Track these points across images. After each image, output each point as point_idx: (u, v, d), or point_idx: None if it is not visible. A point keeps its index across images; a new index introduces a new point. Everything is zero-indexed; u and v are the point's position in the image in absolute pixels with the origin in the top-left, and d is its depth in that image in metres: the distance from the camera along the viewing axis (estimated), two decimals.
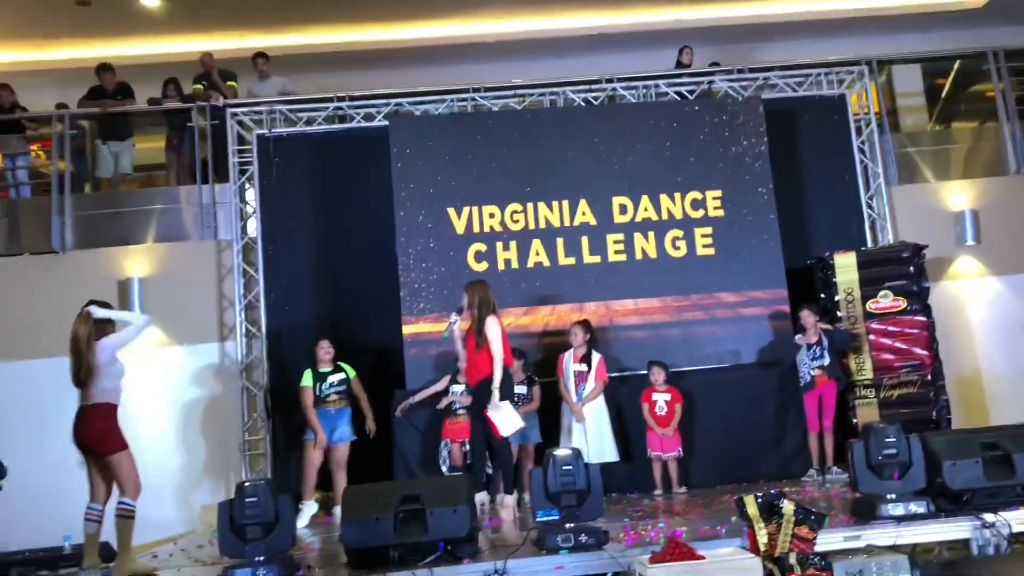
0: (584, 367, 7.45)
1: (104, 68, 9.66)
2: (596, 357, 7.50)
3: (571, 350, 7.53)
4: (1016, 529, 4.84)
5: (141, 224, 9.16)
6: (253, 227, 8.80)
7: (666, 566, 3.06)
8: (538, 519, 4.91)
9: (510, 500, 6.55)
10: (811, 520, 3.21)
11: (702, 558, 3.14)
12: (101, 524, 5.33)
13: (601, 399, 7.48)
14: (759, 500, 3.24)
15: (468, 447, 7.34)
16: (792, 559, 3.07)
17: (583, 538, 4.80)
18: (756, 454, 7.81)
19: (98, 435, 5.33)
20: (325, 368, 7.34)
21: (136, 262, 8.74)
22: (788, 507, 3.17)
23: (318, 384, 7.28)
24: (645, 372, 7.78)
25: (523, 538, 5.17)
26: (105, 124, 9.74)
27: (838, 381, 7.66)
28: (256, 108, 9.05)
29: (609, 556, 4.74)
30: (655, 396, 7.69)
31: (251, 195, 8.90)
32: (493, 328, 6.38)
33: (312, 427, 7.19)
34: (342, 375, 7.38)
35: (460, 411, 7.40)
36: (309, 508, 7.23)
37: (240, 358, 8.52)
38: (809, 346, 7.65)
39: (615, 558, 4.69)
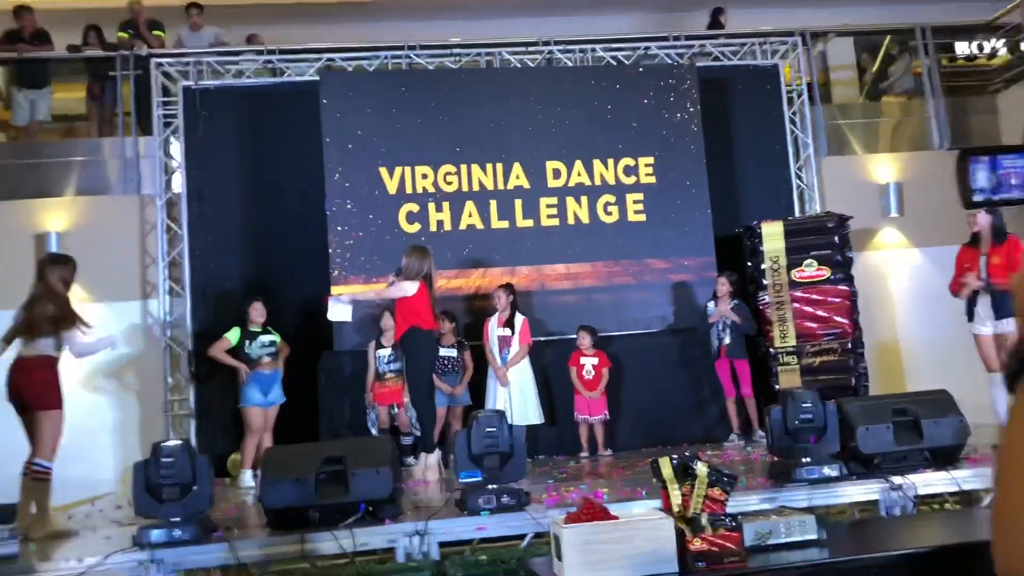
0: (508, 331, 7.47)
1: (22, 8, 9.22)
2: (520, 320, 7.52)
3: (495, 314, 7.55)
4: (921, 491, 5.02)
5: (60, 176, 8.83)
6: (178, 182, 8.55)
7: (579, 526, 3.08)
8: (461, 480, 4.92)
9: (432, 459, 6.56)
10: (723, 482, 3.26)
11: (615, 518, 3.16)
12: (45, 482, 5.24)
13: (526, 362, 7.52)
14: (674, 462, 3.28)
15: (395, 410, 7.34)
16: (704, 520, 3.11)
17: (505, 499, 4.83)
18: (681, 418, 7.96)
19: (40, 387, 5.20)
20: (255, 328, 7.24)
21: (55, 216, 8.43)
22: (702, 469, 3.22)
23: (248, 342, 7.20)
24: (574, 336, 7.82)
25: (445, 499, 5.18)
26: (21, 70, 9.32)
27: (746, 357, 7.79)
28: (183, 59, 8.76)
29: (530, 517, 4.78)
30: (583, 360, 7.75)
31: (176, 149, 8.64)
32: (400, 286, 6.50)
33: (230, 363, 7.16)
34: (273, 336, 7.30)
35: (388, 375, 7.36)
36: (249, 475, 7.09)
37: (163, 317, 8.32)
38: (720, 319, 7.77)
39: (536, 519, 4.73)
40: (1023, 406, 0.85)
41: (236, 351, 7.18)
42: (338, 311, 6.58)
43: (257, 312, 7.26)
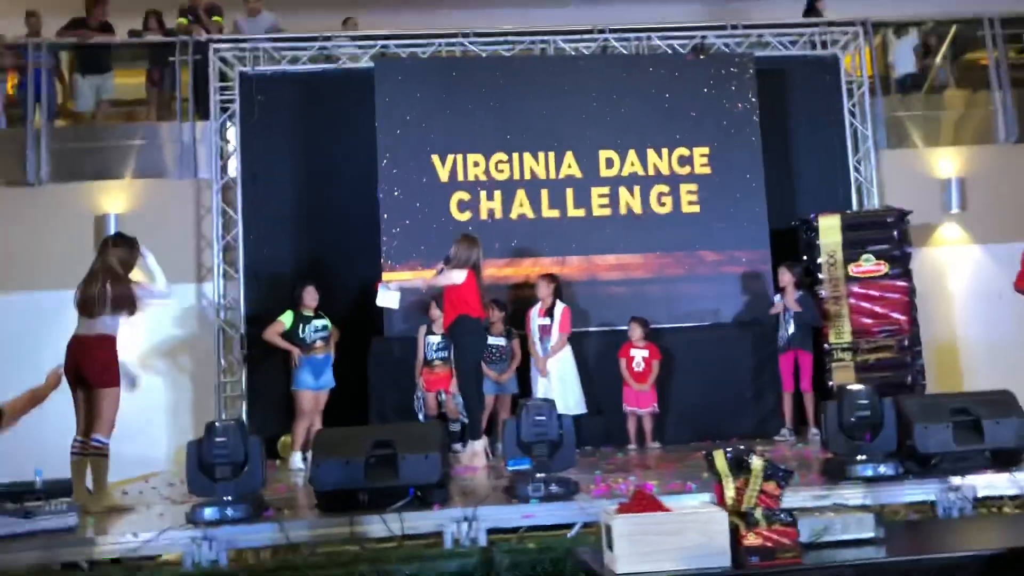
0: (548, 320, 7.43)
1: (97, 1, 9.36)
2: (560, 309, 7.46)
3: (537, 304, 7.52)
4: (981, 493, 4.89)
5: (119, 160, 8.99)
6: (233, 167, 8.66)
7: (632, 516, 3.04)
8: (509, 468, 4.91)
9: (479, 445, 6.55)
10: (779, 477, 3.19)
11: (668, 510, 3.12)
12: (87, 457, 5.33)
13: (568, 351, 7.46)
14: (728, 455, 3.22)
15: (443, 397, 7.36)
16: (758, 514, 3.06)
17: (553, 488, 4.82)
18: (731, 412, 7.85)
19: (101, 365, 5.31)
20: (309, 312, 7.28)
21: (113, 198, 8.60)
22: (756, 463, 3.15)
23: (301, 326, 7.22)
24: (625, 328, 7.76)
25: (493, 486, 5.17)
26: (84, 56, 9.50)
27: (810, 349, 7.66)
28: (240, 45, 8.85)
29: (578, 506, 4.76)
30: (633, 352, 7.69)
31: (232, 134, 8.74)
32: (448, 275, 6.52)
33: (281, 345, 7.22)
34: (325, 321, 7.32)
35: (436, 362, 7.39)
36: (298, 456, 7.15)
37: (217, 299, 8.44)
38: (787, 310, 7.65)
39: (584, 508, 4.71)
40: None
41: (289, 335, 7.23)
42: (387, 298, 6.65)
43: (310, 296, 7.28)
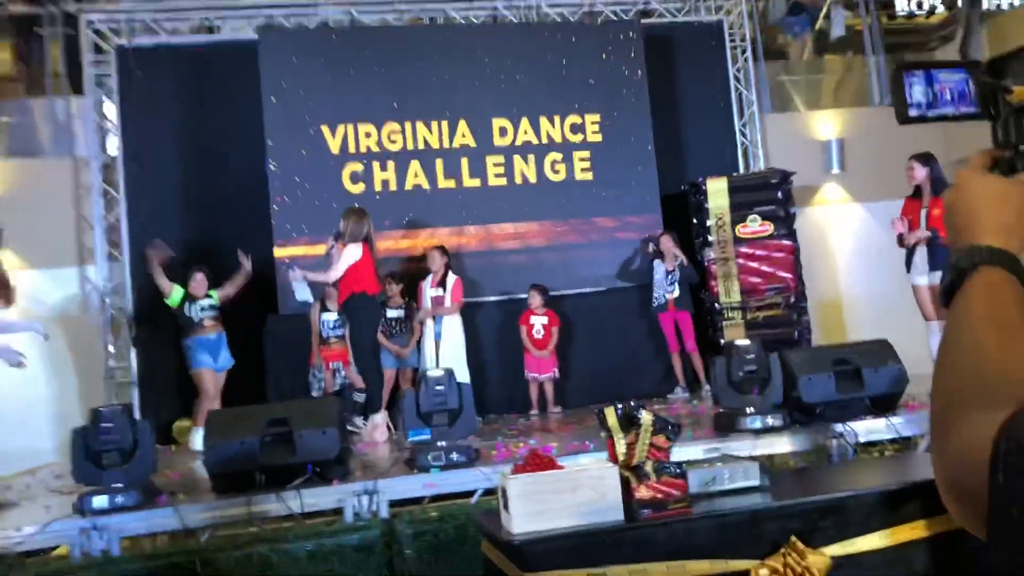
0: (440, 291, 7.41)
1: None
2: (452, 279, 7.45)
3: (429, 276, 7.49)
4: (863, 439, 5.14)
5: None
6: (113, 145, 8.28)
7: (526, 476, 3.08)
8: (410, 439, 4.90)
9: (379, 418, 6.48)
10: (668, 430, 3.28)
11: (562, 468, 3.17)
12: None
13: (459, 323, 7.45)
14: (619, 411, 3.28)
15: (342, 370, 7.28)
16: (649, 467, 3.13)
17: (455, 456, 4.84)
18: (630, 374, 8.02)
19: None
20: (198, 293, 7.12)
21: None
22: (646, 418, 3.22)
23: (188, 304, 7.03)
24: (524, 296, 7.81)
25: (395, 459, 5.16)
26: None
27: (690, 310, 7.88)
28: (114, 16, 8.43)
29: (480, 473, 4.79)
30: (532, 319, 7.75)
31: (111, 110, 8.35)
32: (345, 258, 6.36)
33: (162, 286, 7.01)
34: (213, 300, 7.15)
35: (332, 339, 7.28)
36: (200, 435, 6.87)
37: (102, 283, 8.10)
38: (667, 272, 7.84)
39: (486, 475, 4.74)
40: (959, 308, 0.84)
41: (176, 314, 7.05)
42: (302, 292, 6.65)
43: (199, 284, 7.10)
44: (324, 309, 7.31)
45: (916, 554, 3.27)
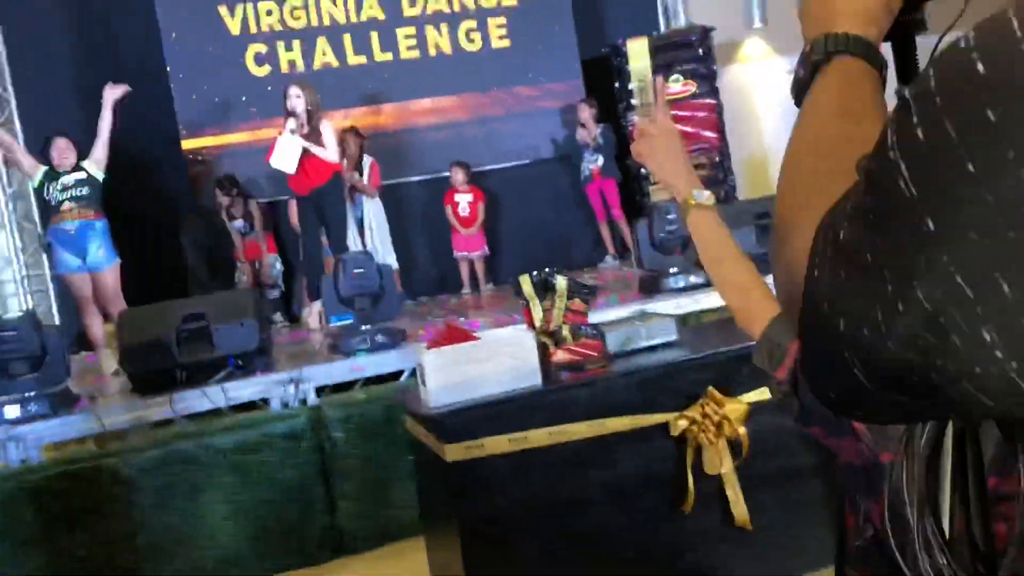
0: (356, 175, 7.16)
1: None
2: (368, 161, 7.21)
3: (343, 161, 7.22)
4: None
5: None
6: None
7: (442, 349, 3.02)
8: (332, 323, 4.82)
9: (316, 306, 6.32)
10: (583, 293, 3.24)
11: (477, 339, 3.12)
12: None
13: (380, 207, 7.25)
14: (534, 279, 3.22)
15: (259, 266, 7.08)
16: (565, 331, 3.10)
17: (379, 338, 4.78)
18: (559, 246, 7.98)
19: None
20: (61, 170, 5.51)
21: None
22: (561, 283, 3.18)
23: (48, 185, 5.46)
24: (447, 174, 7.63)
25: (318, 346, 5.08)
26: None
27: (615, 178, 7.79)
28: None
29: (407, 354, 4.75)
30: (457, 197, 7.61)
31: None
32: (332, 132, 6.04)
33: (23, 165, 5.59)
34: (83, 174, 5.53)
35: (248, 234, 7.04)
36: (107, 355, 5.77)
37: (2, 188, 7.68)
38: (586, 144, 7.70)
39: (413, 355, 4.70)
40: (809, 103, 0.75)
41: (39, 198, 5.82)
42: (286, 150, 5.90)
43: (60, 153, 5.51)
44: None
45: None
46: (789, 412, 1.35)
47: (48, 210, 5.58)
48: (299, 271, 6.76)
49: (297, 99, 5.93)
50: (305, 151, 5.88)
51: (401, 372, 4.76)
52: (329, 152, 5.97)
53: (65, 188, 5.43)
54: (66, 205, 5.40)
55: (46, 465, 4.06)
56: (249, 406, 4.58)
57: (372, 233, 7.09)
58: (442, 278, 7.87)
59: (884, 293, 0.45)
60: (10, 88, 7.62)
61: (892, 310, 0.45)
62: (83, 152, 5.78)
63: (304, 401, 4.55)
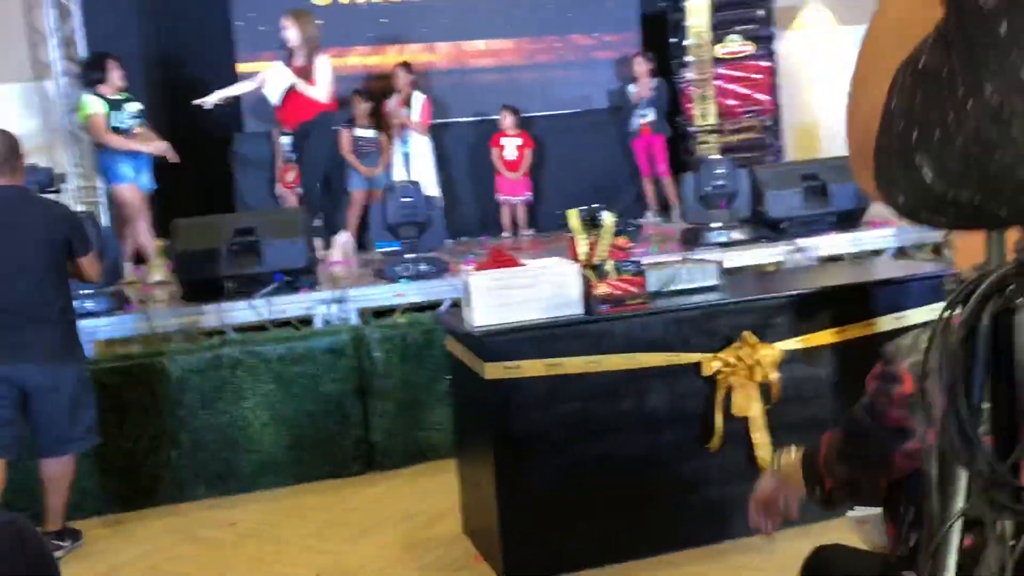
0: (406, 111, 7.20)
1: None
2: (419, 98, 7.25)
3: (395, 95, 7.28)
4: (824, 253, 5.24)
5: None
6: None
7: (488, 272, 3.12)
8: (378, 249, 4.93)
9: (341, 238, 6.31)
10: (628, 231, 3.32)
11: (522, 265, 3.21)
12: None
13: (428, 141, 7.31)
14: (582, 213, 3.30)
15: (300, 191, 7.13)
16: (608, 266, 3.18)
17: (423, 267, 4.89)
18: (603, 198, 7.81)
19: None
20: (118, 96, 5.95)
21: None
22: (608, 219, 3.26)
23: (114, 114, 5.86)
24: (497, 116, 7.67)
25: (362, 272, 5.21)
26: None
27: (664, 134, 7.79)
28: None
29: (448, 284, 4.86)
30: (504, 141, 7.65)
31: None
32: (327, 70, 5.88)
33: (118, 146, 5.83)
34: (139, 105, 6.04)
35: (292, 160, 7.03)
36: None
37: (60, 99, 7.83)
38: (639, 98, 7.67)
39: (454, 285, 4.82)
40: None
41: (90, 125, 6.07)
42: (273, 83, 5.90)
43: (117, 73, 5.92)
44: (283, 133, 7.06)
45: (863, 349, 3.38)
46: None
47: (118, 133, 5.88)
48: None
49: (288, 31, 5.86)
50: (292, 86, 5.82)
51: (441, 302, 4.87)
52: (318, 90, 5.80)
53: (132, 115, 5.92)
54: (137, 129, 5.88)
55: (99, 359, 4.25)
56: (289, 321, 4.73)
57: (417, 168, 7.16)
58: (483, 220, 7.94)
59: (955, 97, 0.54)
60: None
61: (961, 110, 0.53)
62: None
63: (346, 320, 4.68)
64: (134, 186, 5.88)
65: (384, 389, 4.29)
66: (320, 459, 4.25)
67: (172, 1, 7.86)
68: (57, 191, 4.81)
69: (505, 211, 7.76)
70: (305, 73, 5.82)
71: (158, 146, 5.89)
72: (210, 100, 6.18)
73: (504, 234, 7.73)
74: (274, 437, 4.20)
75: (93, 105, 5.86)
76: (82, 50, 7.71)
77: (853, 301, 3.39)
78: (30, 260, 3.44)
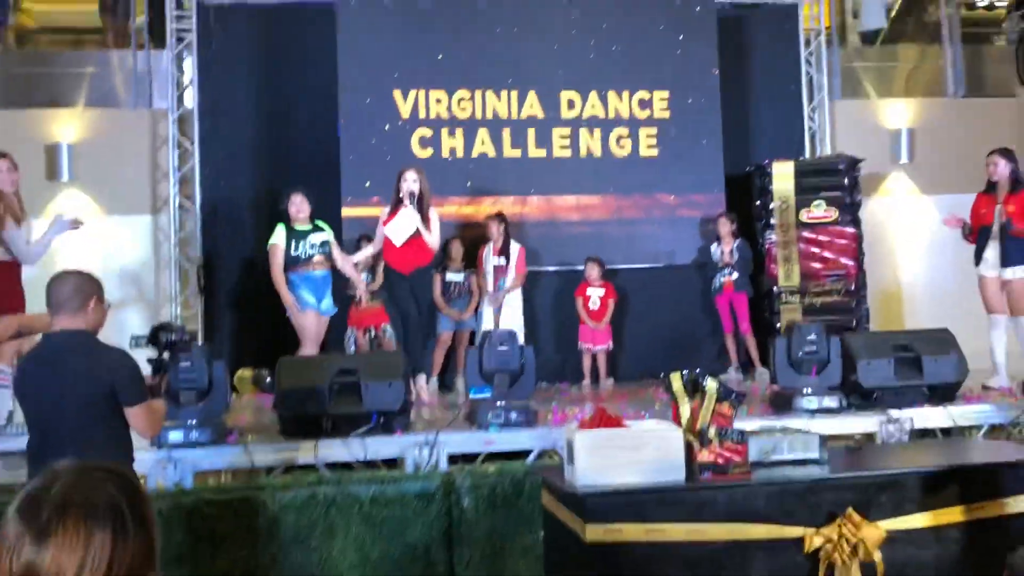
0: (503, 260, 7.51)
1: None
2: (515, 248, 7.56)
3: (489, 243, 7.60)
4: (917, 426, 5.16)
5: (70, 88, 8.78)
6: (190, 97, 8.50)
7: (594, 431, 3.19)
8: (472, 395, 5.04)
9: (421, 380, 6.45)
10: (732, 399, 3.36)
11: (627, 427, 3.27)
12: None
13: (519, 292, 7.56)
14: (684, 377, 3.37)
15: (373, 334, 7.33)
16: (711, 432, 3.22)
17: (513, 416, 4.96)
18: (683, 351, 8.05)
19: None
20: (302, 226, 6.39)
21: (65, 126, 8.40)
22: (711, 385, 3.31)
23: (295, 242, 6.28)
24: (582, 267, 7.90)
25: (456, 413, 5.30)
26: None
27: (747, 293, 7.92)
28: None
29: (537, 434, 4.93)
30: (589, 291, 7.84)
31: (188, 64, 8.57)
32: (438, 220, 6.40)
33: (283, 298, 6.22)
34: (324, 235, 6.40)
35: (365, 302, 7.24)
36: None
37: (174, 232, 8.36)
38: (722, 257, 7.88)
39: (543, 436, 4.88)
40: None
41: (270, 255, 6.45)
42: (403, 225, 6.32)
43: (296, 207, 6.34)
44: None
45: (970, 535, 3.32)
46: None
47: (297, 262, 6.29)
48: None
49: (415, 183, 6.38)
50: (416, 232, 6.31)
51: (529, 452, 4.92)
52: (433, 237, 6.39)
53: (315, 246, 6.34)
54: (317, 258, 6.31)
55: (198, 489, 4.37)
56: (383, 462, 4.81)
57: (506, 314, 7.38)
58: (563, 366, 8.05)
59: None
60: (196, 142, 8.34)
61: None
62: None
63: (435, 465, 4.75)
64: (315, 312, 6.27)
65: (471, 537, 4.30)
66: None
67: (284, 146, 8.42)
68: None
69: (586, 358, 7.87)
70: (423, 223, 6.34)
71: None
72: (359, 288, 6.86)
73: (584, 381, 7.81)
74: None
75: (275, 235, 6.39)
76: (198, 189, 8.27)
77: (964, 482, 3.34)
78: (68, 412, 3.27)
